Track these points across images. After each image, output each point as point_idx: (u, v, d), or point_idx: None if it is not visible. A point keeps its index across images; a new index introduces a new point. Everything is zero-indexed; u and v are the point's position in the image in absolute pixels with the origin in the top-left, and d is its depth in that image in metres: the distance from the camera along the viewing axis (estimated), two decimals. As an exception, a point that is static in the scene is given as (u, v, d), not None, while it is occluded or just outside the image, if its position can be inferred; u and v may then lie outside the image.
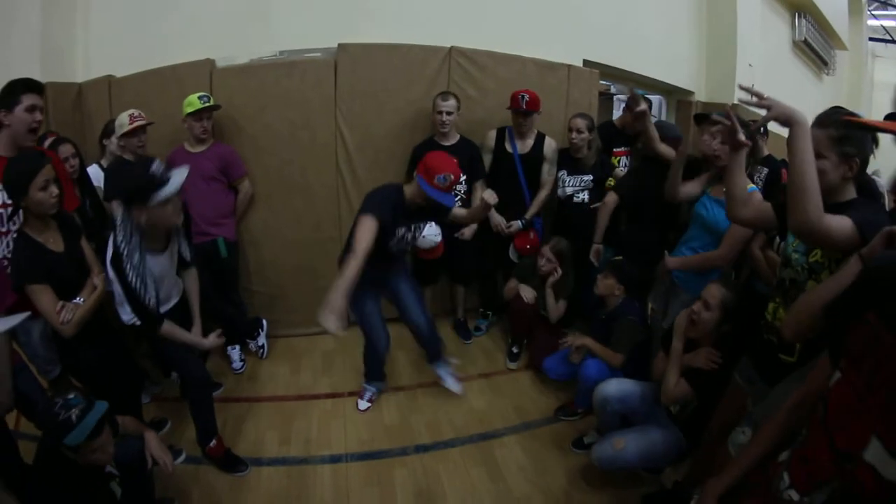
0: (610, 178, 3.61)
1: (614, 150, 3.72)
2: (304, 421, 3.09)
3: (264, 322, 3.70)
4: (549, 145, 3.63)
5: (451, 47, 3.70)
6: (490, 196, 2.62)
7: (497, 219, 3.66)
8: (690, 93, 5.32)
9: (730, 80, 5.12)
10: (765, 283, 2.45)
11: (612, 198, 3.33)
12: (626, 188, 3.32)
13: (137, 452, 2.06)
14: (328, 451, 2.85)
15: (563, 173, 3.61)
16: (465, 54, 3.73)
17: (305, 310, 3.70)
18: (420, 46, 3.65)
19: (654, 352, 2.63)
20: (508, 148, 3.62)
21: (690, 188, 2.80)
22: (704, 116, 2.74)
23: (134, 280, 2.16)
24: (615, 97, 6.49)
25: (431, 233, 3.46)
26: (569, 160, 3.58)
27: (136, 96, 3.35)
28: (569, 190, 3.61)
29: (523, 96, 3.43)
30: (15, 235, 2.14)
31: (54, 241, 2.16)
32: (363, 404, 3.20)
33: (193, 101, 3.16)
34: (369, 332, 2.97)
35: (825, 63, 7.86)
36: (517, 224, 3.67)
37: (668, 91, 5.35)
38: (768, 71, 5.64)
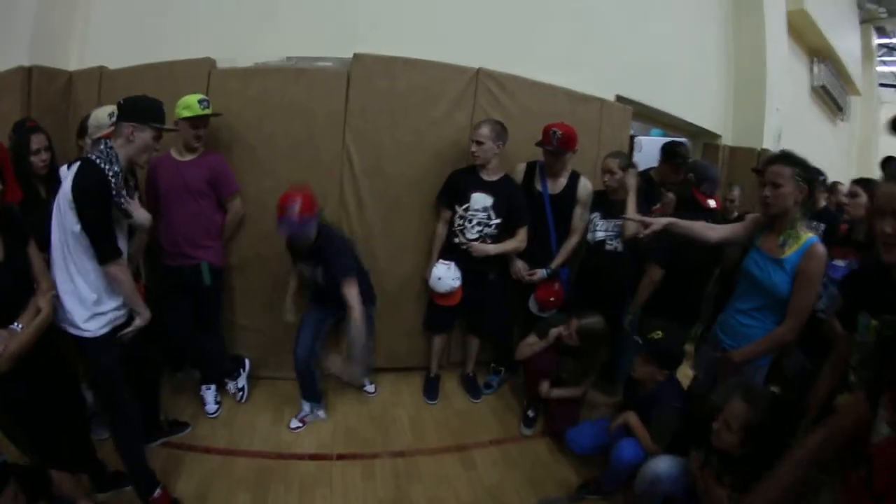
0: None
1: (652, 208, 3.29)
2: (282, 486, 2.56)
3: (247, 361, 3.19)
4: (585, 187, 3.20)
5: (479, 69, 3.29)
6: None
7: (518, 263, 3.21)
8: (717, 136, 5.03)
9: (758, 124, 4.86)
10: None
11: (657, 273, 2.85)
12: (663, 254, 2.82)
13: None
14: (310, 529, 2.34)
15: (595, 216, 3.17)
16: (493, 77, 3.33)
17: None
18: (445, 65, 3.25)
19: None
20: (538, 186, 3.19)
21: (726, 231, 2.43)
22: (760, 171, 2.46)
23: (112, 180, 1.95)
24: (635, 138, 6.14)
25: (449, 276, 3.04)
26: (604, 202, 3.14)
27: (127, 91, 2.81)
28: (600, 235, 3.16)
29: (555, 132, 3.01)
30: None
31: None
32: (294, 423, 2.99)
33: (192, 104, 2.69)
34: (295, 341, 2.90)
35: (840, 108, 7.74)
36: (541, 273, 3.22)
37: (693, 133, 5.02)
38: (789, 116, 5.36)
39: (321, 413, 3.08)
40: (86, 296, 2.00)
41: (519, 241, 3.12)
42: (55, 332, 1.98)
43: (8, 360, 1.74)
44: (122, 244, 2.10)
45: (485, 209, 3.06)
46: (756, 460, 1.87)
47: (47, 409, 2.00)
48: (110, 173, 1.94)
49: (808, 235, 2.12)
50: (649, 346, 2.42)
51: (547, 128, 3.03)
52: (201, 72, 3.01)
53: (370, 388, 3.34)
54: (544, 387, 2.98)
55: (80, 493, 1.77)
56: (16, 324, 1.79)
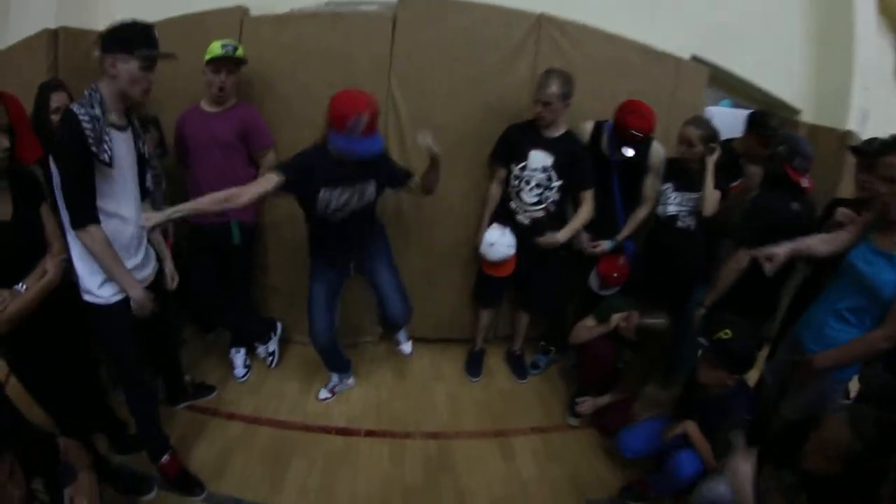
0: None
1: (730, 185, 2.81)
2: (304, 461, 2.43)
3: (279, 325, 3.03)
4: (657, 153, 2.77)
5: (541, 14, 2.87)
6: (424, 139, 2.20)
7: (582, 235, 2.85)
8: (797, 111, 4.36)
9: (843, 102, 4.15)
10: None
11: (745, 258, 2.32)
12: (756, 235, 2.30)
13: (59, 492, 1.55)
14: (326, 510, 2.19)
15: (668, 187, 2.75)
16: (557, 25, 2.89)
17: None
18: (503, 9, 2.84)
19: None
20: (605, 150, 2.78)
21: (837, 244, 2.04)
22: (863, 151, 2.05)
23: (86, 128, 1.64)
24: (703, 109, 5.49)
25: (503, 242, 2.71)
26: (679, 172, 2.71)
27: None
28: (671, 209, 2.75)
29: (634, 135, 2.60)
30: None
31: (1, 207, 1.70)
32: (323, 393, 2.85)
33: (214, 48, 2.48)
34: (308, 318, 2.54)
35: None
36: (606, 245, 2.85)
37: (769, 106, 4.36)
38: (875, 99, 4.60)
39: (350, 381, 2.94)
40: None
41: (587, 210, 2.75)
42: (69, 294, 1.84)
43: (7, 321, 1.65)
44: (116, 204, 1.80)
45: (545, 169, 2.68)
46: (850, 486, 1.56)
47: (59, 372, 1.94)
48: (86, 118, 1.63)
49: None
50: (716, 347, 2.01)
51: (623, 126, 2.61)
52: (233, 20, 2.78)
53: (406, 347, 2.92)
54: (584, 406, 2.67)
55: (84, 464, 1.65)
56: (20, 284, 1.69)
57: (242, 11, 2.81)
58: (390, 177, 2.38)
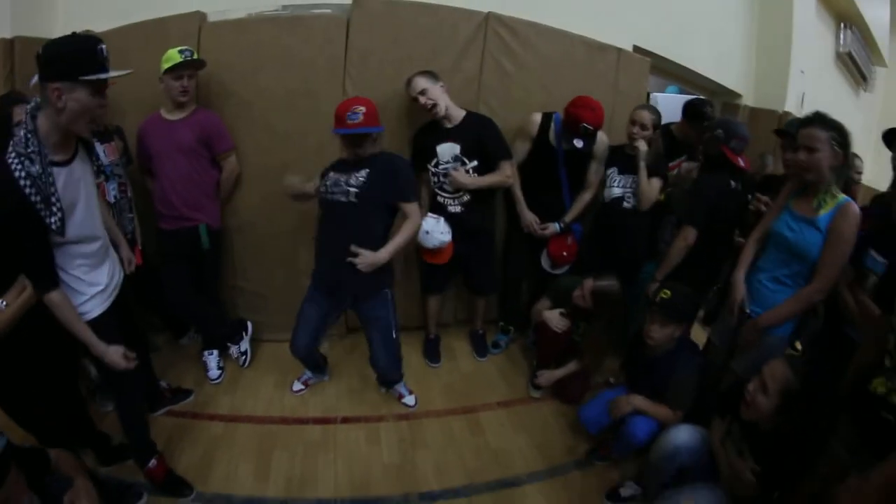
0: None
1: (669, 163, 3.06)
2: (286, 452, 2.49)
3: (249, 324, 3.08)
4: (602, 142, 2.97)
5: (489, 13, 3.01)
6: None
7: (529, 216, 3.02)
8: (738, 95, 4.69)
9: (781, 85, 4.53)
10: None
11: (692, 235, 2.53)
12: (701, 214, 2.54)
13: (61, 499, 1.53)
14: (313, 494, 2.29)
15: (612, 171, 2.96)
16: (504, 23, 3.04)
17: (296, 309, 3.08)
18: (452, 8, 2.96)
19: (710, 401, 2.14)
20: (552, 141, 2.93)
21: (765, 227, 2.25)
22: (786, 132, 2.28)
23: (30, 192, 1.46)
24: (650, 95, 5.78)
25: (437, 230, 2.80)
26: (622, 157, 2.92)
27: (115, 54, 2.66)
28: (616, 191, 2.96)
29: (585, 128, 2.76)
30: None
31: None
32: (297, 385, 2.91)
33: (172, 56, 2.49)
34: (293, 328, 2.61)
35: (864, 78, 7.23)
36: (554, 227, 3.03)
37: (713, 91, 4.68)
38: (812, 81, 5.01)
39: (325, 376, 2.99)
40: (70, 283, 1.73)
41: (503, 175, 2.84)
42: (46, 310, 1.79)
43: None
44: (86, 232, 1.72)
45: (455, 158, 2.80)
46: (783, 436, 1.74)
47: (40, 388, 1.90)
48: (27, 181, 1.45)
49: (842, 196, 1.97)
50: (661, 304, 2.21)
51: (575, 120, 2.77)
52: (192, 27, 2.77)
53: (410, 399, 2.88)
54: (542, 379, 2.85)
55: (78, 471, 1.66)
56: (1, 300, 1.65)
57: (201, 17, 2.80)
58: (387, 180, 2.31)
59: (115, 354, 1.80)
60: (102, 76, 1.51)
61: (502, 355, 3.38)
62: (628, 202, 2.94)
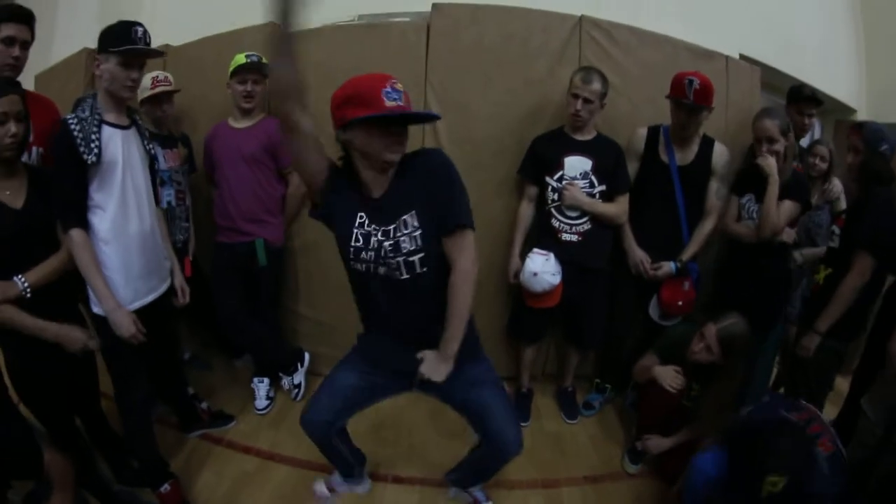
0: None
1: None
2: (323, 505, 2.01)
3: (306, 355, 2.68)
4: (721, 154, 2.34)
5: (582, 16, 2.57)
6: None
7: (640, 254, 2.41)
8: (852, 111, 3.94)
9: None
10: None
11: (868, 263, 1.89)
12: (885, 236, 1.86)
13: None
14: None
15: (748, 199, 2.27)
16: (600, 26, 2.57)
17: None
18: (541, 11, 2.56)
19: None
20: (663, 156, 2.37)
21: None
22: None
23: (74, 128, 1.57)
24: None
25: (547, 270, 2.27)
26: (758, 181, 2.19)
27: (191, 64, 2.67)
28: (754, 224, 2.25)
29: (691, 81, 2.17)
30: None
31: (12, 195, 1.60)
32: (319, 487, 2.05)
33: (238, 59, 2.33)
34: (312, 398, 1.77)
35: None
36: (669, 267, 2.38)
37: (823, 108, 3.91)
38: None
39: (361, 487, 2.11)
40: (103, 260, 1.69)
41: (621, 208, 2.36)
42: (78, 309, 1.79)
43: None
44: (116, 200, 1.68)
45: (584, 175, 2.31)
46: None
47: (57, 386, 1.74)
48: (73, 121, 1.59)
49: None
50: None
51: (680, 77, 2.22)
52: (265, 38, 2.60)
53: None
54: (651, 443, 2.17)
55: (65, 483, 1.38)
56: (19, 277, 1.56)
57: (274, 27, 2.65)
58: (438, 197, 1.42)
59: (123, 316, 1.66)
60: (125, 49, 1.62)
61: (594, 419, 2.68)
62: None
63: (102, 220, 1.66)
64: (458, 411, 1.69)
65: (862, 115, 3.89)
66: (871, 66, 3.91)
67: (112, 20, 2.73)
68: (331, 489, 2.06)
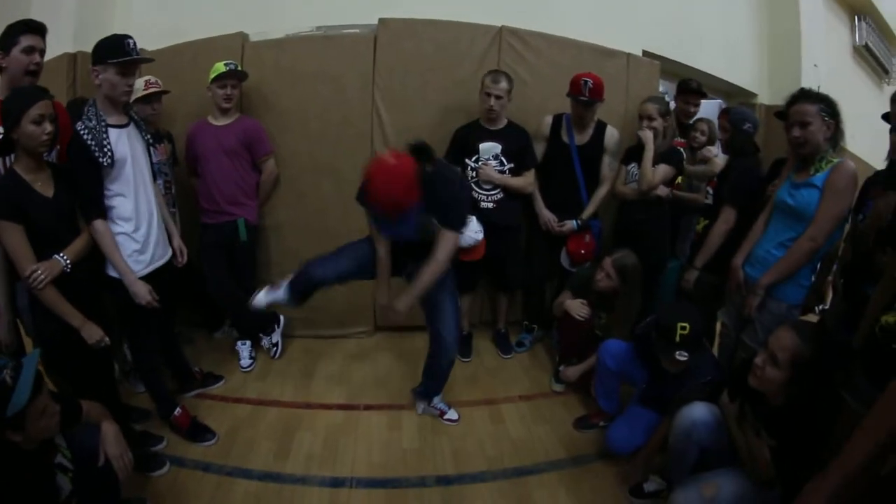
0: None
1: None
2: (308, 433, 2.41)
3: (281, 318, 3.05)
4: (612, 136, 2.91)
5: (502, 27, 3.07)
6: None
7: (547, 215, 2.93)
8: (753, 95, 4.42)
9: (795, 81, 4.19)
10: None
11: (731, 215, 2.38)
12: (744, 195, 2.37)
13: (90, 445, 1.56)
14: (330, 473, 2.17)
15: (632, 166, 2.86)
16: (516, 35, 3.08)
17: (329, 309, 3.07)
18: (468, 24, 3.04)
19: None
20: (565, 138, 2.91)
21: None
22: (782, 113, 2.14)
23: (87, 137, 1.82)
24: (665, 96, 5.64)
25: (472, 228, 2.71)
26: (640, 152, 2.79)
27: (166, 69, 2.87)
28: (636, 186, 2.84)
29: (586, 81, 2.71)
30: None
31: (43, 185, 1.78)
32: (452, 414, 2.56)
33: (218, 67, 2.64)
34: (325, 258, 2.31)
35: (886, 71, 6.70)
36: (571, 224, 2.92)
37: (727, 93, 4.50)
38: (830, 77, 4.72)
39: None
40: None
41: (527, 181, 2.86)
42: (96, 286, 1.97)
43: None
44: (130, 187, 1.96)
45: (495, 157, 2.80)
46: (797, 409, 1.54)
47: (78, 351, 1.89)
48: (84, 130, 1.83)
49: (839, 158, 1.94)
50: (684, 343, 1.95)
51: (577, 78, 2.75)
52: (235, 45, 2.94)
53: (452, 413, 2.57)
54: (569, 372, 2.66)
55: (107, 416, 1.64)
56: (61, 255, 1.76)
57: (243, 37, 2.98)
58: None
59: (141, 286, 1.96)
60: (122, 59, 1.84)
61: (526, 353, 3.21)
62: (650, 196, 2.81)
63: (123, 204, 1.95)
64: (422, 306, 2.28)
65: (763, 100, 4.37)
66: (772, 56, 4.35)
67: (87, 27, 2.95)
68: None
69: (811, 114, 1.92)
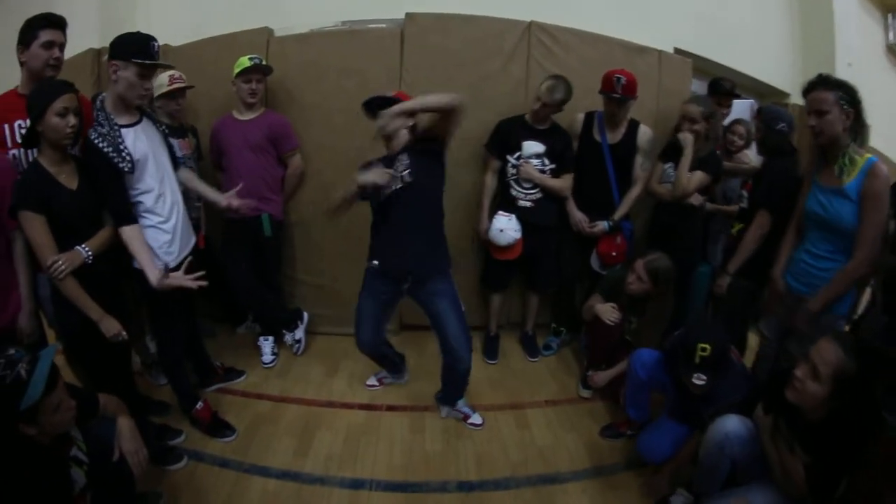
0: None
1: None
2: (329, 433, 2.37)
3: (305, 315, 3.01)
4: (645, 134, 2.78)
5: (531, 22, 2.96)
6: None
7: (578, 215, 2.83)
8: (786, 94, 4.19)
9: None
10: None
11: (766, 219, 2.27)
12: (779, 199, 2.23)
13: (106, 439, 1.55)
14: (350, 474, 2.12)
15: (669, 166, 2.72)
16: (546, 30, 2.97)
17: (353, 306, 2.99)
18: (497, 19, 2.94)
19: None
20: (597, 136, 2.80)
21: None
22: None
23: (102, 145, 1.78)
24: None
25: (511, 227, 2.71)
26: (678, 151, 2.63)
27: (191, 64, 2.85)
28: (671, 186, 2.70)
29: (619, 78, 2.60)
30: None
31: (67, 178, 1.77)
32: (371, 380, 2.72)
33: (243, 62, 2.60)
34: (355, 326, 2.35)
35: None
36: (602, 225, 2.81)
37: (759, 93, 4.31)
38: (864, 75, 4.49)
39: (403, 378, 2.74)
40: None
41: (565, 184, 2.79)
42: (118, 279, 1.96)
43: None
44: (155, 182, 1.94)
45: (538, 156, 2.72)
46: (836, 428, 1.44)
47: (97, 343, 1.87)
48: (98, 139, 1.78)
49: (867, 157, 1.77)
50: (705, 365, 1.82)
51: (609, 74, 2.64)
52: (260, 40, 2.90)
53: (476, 417, 2.48)
54: (597, 378, 2.52)
55: (123, 411, 1.64)
56: (83, 246, 1.75)
57: (268, 32, 2.94)
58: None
59: (168, 282, 1.90)
60: (148, 62, 1.80)
61: (553, 357, 3.10)
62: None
63: (150, 199, 1.93)
64: (429, 318, 2.26)
65: (796, 100, 4.05)
66: (805, 54, 4.14)
67: (111, 22, 2.90)
68: (380, 381, 2.71)
69: (828, 102, 1.77)
